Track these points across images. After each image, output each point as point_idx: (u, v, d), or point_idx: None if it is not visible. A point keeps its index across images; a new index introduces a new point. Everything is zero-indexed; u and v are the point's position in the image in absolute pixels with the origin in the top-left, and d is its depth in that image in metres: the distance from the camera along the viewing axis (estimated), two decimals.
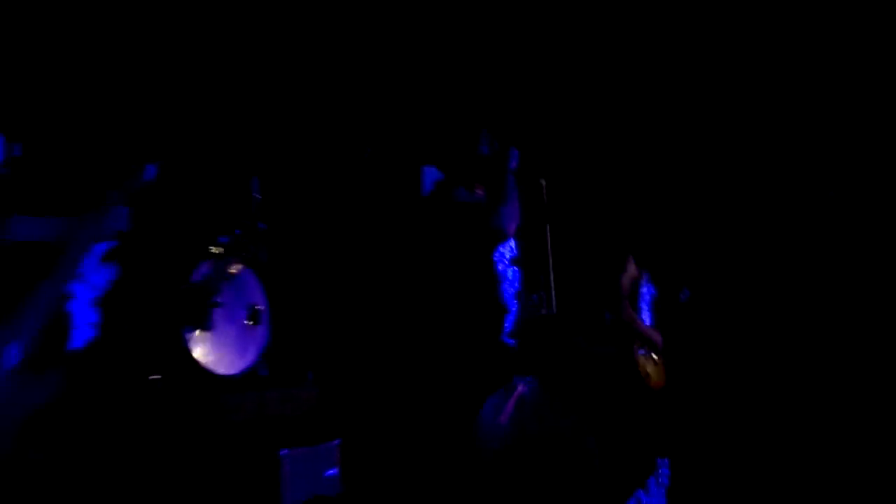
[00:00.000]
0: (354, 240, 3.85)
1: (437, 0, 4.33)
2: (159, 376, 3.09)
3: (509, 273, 3.46)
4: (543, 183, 3.77)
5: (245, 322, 3.40)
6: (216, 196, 3.57)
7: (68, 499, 2.58)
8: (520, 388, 2.88)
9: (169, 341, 3.13)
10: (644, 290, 4.18)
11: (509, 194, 3.43)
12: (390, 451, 3.20)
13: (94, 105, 3.36)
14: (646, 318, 4.09)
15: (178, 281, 3.23)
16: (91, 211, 2.54)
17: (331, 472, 3.12)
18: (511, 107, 4.37)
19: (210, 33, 3.76)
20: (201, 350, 3.20)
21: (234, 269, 3.42)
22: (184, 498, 2.85)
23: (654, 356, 3.94)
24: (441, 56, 4.45)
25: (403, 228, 3.64)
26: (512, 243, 3.55)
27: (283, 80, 4.13)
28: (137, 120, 3.43)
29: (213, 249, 3.38)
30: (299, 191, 4.06)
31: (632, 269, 4.11)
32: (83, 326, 2.96)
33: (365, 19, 4.24)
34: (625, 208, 4.50)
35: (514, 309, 3.32)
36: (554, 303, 3.63)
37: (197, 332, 3.21)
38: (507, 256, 3.51)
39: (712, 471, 3.12)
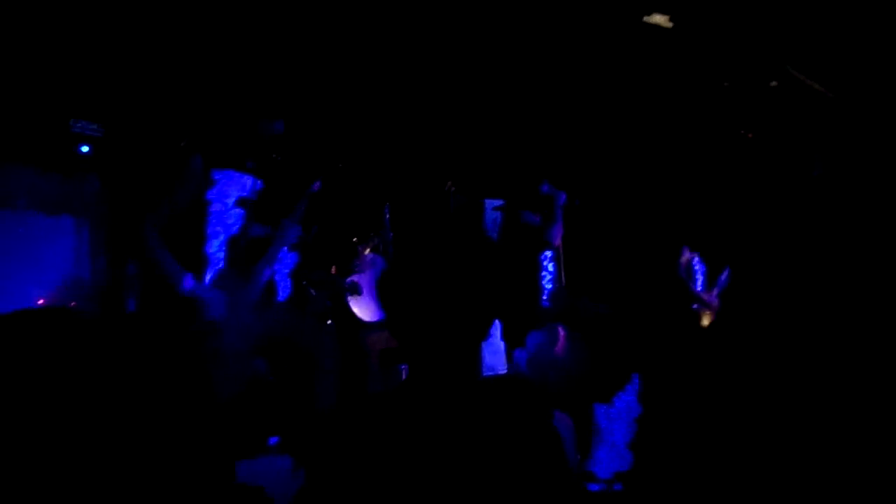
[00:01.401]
0: (445, 244, 5.70)
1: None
2: (331, 321, 5.04)
3: (549, 267, 5.33)
4: (577, 202, 5.49)
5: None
6: (365, 212, 5.52)
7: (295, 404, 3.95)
8: (560, 329, 3.47)
9: (337, 300, 5.10)
10: (697, 269, 4.95)
11: (557, 220, 5.27)
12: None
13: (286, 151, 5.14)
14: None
15: (341, 263, 5.19)
16: (287, 218, 3.86)
17: None
18: (561, 159, 5.94)
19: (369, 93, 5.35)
20: (356, 306, 5.19)
21: (372, 259, 5.39)
22: (349, 395, 4.74)
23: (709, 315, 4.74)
24: (521, 118, 5.89)
25: (481, 237, 5.52)
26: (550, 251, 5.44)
27: (400, 143, 5.99)
28: (309, 156, 5.25)
29: (361, 245, 5.36)
30: (410, 212, 5.98)
31: (686, 255, 4.88)
32: (283, 289, 4.84)
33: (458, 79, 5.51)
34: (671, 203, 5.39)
35: (550, 288, 5.21)
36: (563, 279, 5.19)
37: (353, 297, 5.21)
38: (548, 257, 5.40)
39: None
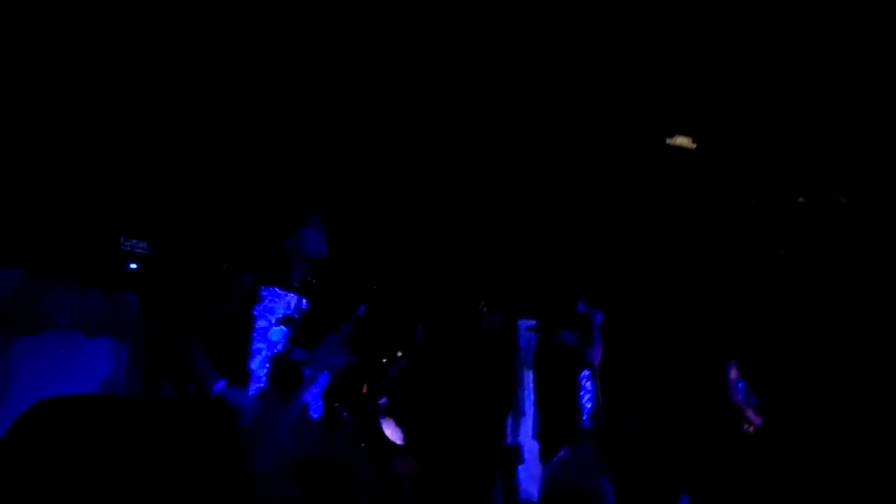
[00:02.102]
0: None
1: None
2: (363, 444, 4.96)
3: (588, 386, 5.26)
4: (615, 322, 5.51)
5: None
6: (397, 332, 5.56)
7: None
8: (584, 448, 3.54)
9: (369, 422, 5.03)
10: (740, 386, 5.18)
11: (595, 339, 5.25)
12: None
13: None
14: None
15: (372, 384, 5.17)
16: (331, 341, 3.95)
17: None
18: (597, 279, 6.09)
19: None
20: (387, 429, 5.10)
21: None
22: None
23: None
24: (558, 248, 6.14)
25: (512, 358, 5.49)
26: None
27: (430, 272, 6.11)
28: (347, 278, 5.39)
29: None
30: (443, 332, 6.01)
31: (733, 374, 5.16)
32: (315, 409, 4.81)
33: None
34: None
35: (589, 407, 5.12)
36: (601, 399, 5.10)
37: (385, 419, 5.14)
38: (586, 376, 5.35)
39: None
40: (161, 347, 3.82)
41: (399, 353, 5.44)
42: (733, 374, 5.20)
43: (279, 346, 3.54)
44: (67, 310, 3.84)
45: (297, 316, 3.54)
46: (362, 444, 4.99)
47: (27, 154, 2.94)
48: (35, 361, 3.86)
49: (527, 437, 5.86)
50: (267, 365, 3.49)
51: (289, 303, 3.60)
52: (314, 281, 3.62)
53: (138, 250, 2.97)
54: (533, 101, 4.03)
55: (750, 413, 5.15)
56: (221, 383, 3.26)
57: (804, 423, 4.33)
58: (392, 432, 5.14)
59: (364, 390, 5.12)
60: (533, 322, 6.03)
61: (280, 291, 3.55)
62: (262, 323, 3.47)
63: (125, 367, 4.05)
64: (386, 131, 4.34)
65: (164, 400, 0.86)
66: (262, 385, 3.46)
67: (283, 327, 3.55)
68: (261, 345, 3.49)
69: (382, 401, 5.23)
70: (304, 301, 3.67)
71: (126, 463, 0.72)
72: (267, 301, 3.51)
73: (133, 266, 3.03)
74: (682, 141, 4.78)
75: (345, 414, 4.93)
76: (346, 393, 5.15)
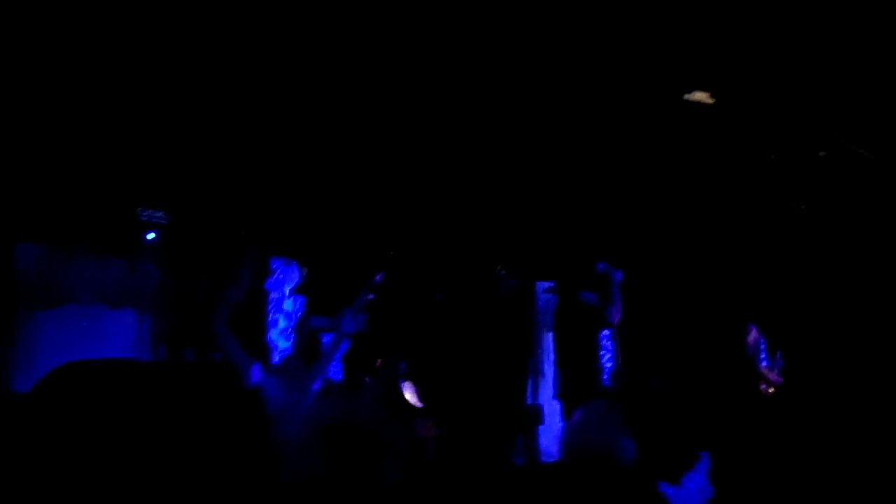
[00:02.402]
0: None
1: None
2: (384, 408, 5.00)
3: (607, 344, 5.27)
4: (635, 280, 5.49)
5: None
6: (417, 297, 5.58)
7: None
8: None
9: (390, 386, 5.08)
10: (761, 346, 5.18)
11: (614, 299, 5.24)
12: None
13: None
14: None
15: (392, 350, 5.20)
16: (348, 308, 3.87)
17: None
18: (617, 238, 6.03)
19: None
20: (408, 393, 5.15)
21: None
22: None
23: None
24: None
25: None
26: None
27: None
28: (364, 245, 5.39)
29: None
30: (461, 296, 6.02)
31: (753, 334, 5.10)
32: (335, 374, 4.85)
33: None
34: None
35: (609, 367, 5.13)
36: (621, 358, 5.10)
37: (405, 383, 5.18)
38: (606, 336, 5.36)
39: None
40: (180, 320, 3.85)
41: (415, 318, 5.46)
42: (753, 334, 5.19)
43: (295, 317, 3.55)
44: (89, 283, 3.88)
45: (308, 287, 3.56)
46: (384, 409, 5.03)
47: (43, 128, 2.94)
48: (59, 334, 3.90)
49: (547, 398, 5.90)
50: (286, 335, 3.51)
51: (300, 273, 3.60)
52: (325, 249, 3.62)
53: (155, 220, 2.97)
54: (547, 57, 3.95)
55: (770, 374, 5.15)
56: (257, 372, 3.23)
57: (824, 384, 4.33)
58: (412, 396, 5.18)
59: (379, 360, 5.14)
60: (550, 284, 6.02)
61: (289, 262, 3.56)
62: (275, 295, 3.48)
63: (147, 338, 4.09)
64: (400, 95, 4.28)
65: (187, 364, 0.85)
66: (284, 355, 3.49)
67: (295, 297, 3.56)
68: (277, 315, 3.50)
69: (402, 365, 5.26)
70: (313, 272, 3.69)
71: (147, 422, 0.72)
72: (278, 273, 3.51)
73: (151, 236, 3.03)
74: (699, 96, 4.70)
75: (367, 379, 4.96)
76: (366, 358, 5.19)
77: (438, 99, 4.45)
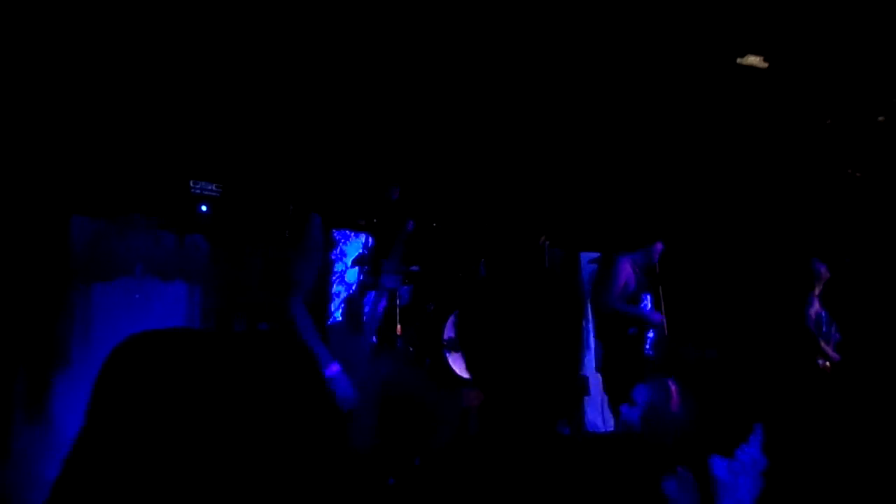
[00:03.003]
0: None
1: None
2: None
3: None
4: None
5: None
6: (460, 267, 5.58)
7: None
8: (671, 384, 3.36)
9: (436, 356, 5.10)
10: (823, 318, 5.09)
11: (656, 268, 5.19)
12: None
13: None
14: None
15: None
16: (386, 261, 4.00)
17: None
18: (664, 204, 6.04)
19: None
20: (454, 363, 5.16)
21: None
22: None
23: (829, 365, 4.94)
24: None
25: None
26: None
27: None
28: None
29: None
30: (505, 266, 6.00)
31: (816, 306, 5.02)
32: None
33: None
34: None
35: (652, 336, 5.07)
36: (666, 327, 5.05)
37: (451, 353, 5.19)
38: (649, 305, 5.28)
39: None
40: (231, 292, 3.89)
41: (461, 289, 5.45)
42: (816, 306, 5.08)
43: (354, 287, 3.57)
44: (142, 256, 3.94)
45: (367, 253, 3.58)
46: (432, 378, 5.07)
47: (94, 100, 2.96)
48: (113, 306, 3.97)
49: (590, 370, 5.87)
50: (343, 305, 3.53)
51: (361, 243, 3.62)
52: (379, 220, 3.62)
53: (208, 192, 2.99)
54: (596, 19, 3.87)
55: (828, 348, 5.04)
56: (335, 368, 3.25)
57: (884, 360, 4.19)
58: (458, 366, 5.19)
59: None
60: (595, 255, 5.95)
61: (350, 233, 3.57)
62: (339, 266, 3.50)
63: (199, 310, 4.15)
64: (444, 63, 4.24)
65: (249, 333, 0.84)
66: (335, 321, 3.51)
67: (357, 268, 3.58)
68: (339, 287, 3.53)
69: (449, 335, 5.27)
70: (373, 239, 3.70)
71: (218, 393, 0.71)
72: (341, 244, 3.53)
73: (203, 208, 3.06)
74: (752, 60, 4.58)
75: (411, 349, 4.99)
76: (412, 328, 5.22)
77: (483, 65, 4.41)
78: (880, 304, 4.76)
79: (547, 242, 6.02)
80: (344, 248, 3.54)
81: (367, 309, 3.68)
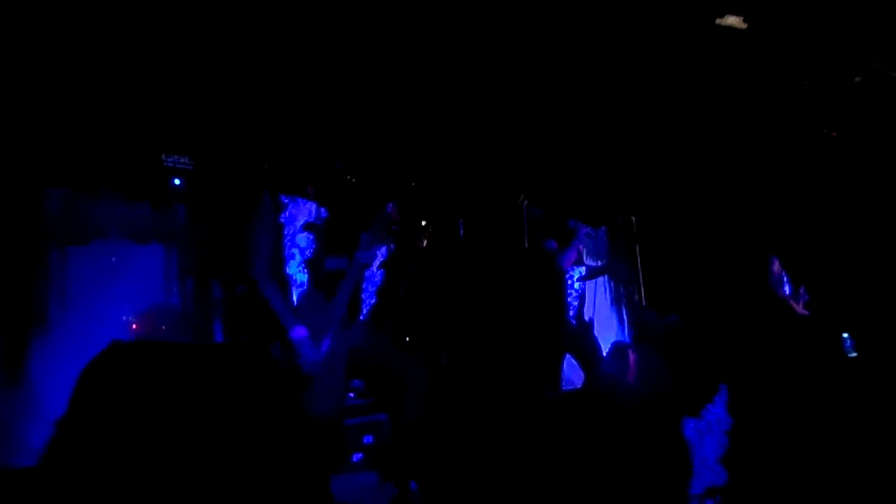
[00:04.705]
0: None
1: None
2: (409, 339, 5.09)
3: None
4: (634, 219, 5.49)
5: None
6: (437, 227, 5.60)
7: None
8: (630, 354, 3.60)
9: (416, 319, 5.15)
10: (784, 279, 5.01)
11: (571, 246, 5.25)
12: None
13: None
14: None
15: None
16: (365, 237, 4.00)
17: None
18: (638, 166, 5.99)
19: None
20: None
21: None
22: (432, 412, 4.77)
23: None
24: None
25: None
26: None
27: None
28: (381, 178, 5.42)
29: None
30: (483, 226, 6.03)
31: (776, 265, 4.92)
32: (367, 303, 4.93)
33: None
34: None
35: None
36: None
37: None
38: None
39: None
40: (208, 255, 3.89)
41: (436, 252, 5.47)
42: (776, 267, 5.14)
43: (309, 251, 3.58)
44: (116, 220, 3.92)
45: (318, 223, 3.57)
46: (406, 340, 5.12)
47: (67, 76, 2.91)
48: (89, 269, 3.96)
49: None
50: (302, 269, 3.54)
51: (310, 210, 3.61)
52: (338, 186, 3.60)
53: (180, 166, 2.98)
54: None
55: (796, 306, 5.11)
56: (301, 332, 3.27)
57: (852, 316, 4.29)
58: (434, 328, 5.25)
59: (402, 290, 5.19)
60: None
61: (301, 199, 3.56)
62: (289, 230, 3.51)
63: (175, 272, 4.14)
64: (419, 27, 4.18)
65: (223, 346, 0.87)
66: (302, 289, 3.53)
67: (307, 233, 3.59)
68: (293, 250, 3.54)
69: (424, 297, 5.31)
70: (324, 210, 3.69)
71: (186, 405, 0.74)
72: (290, 208, 3.52)
73: (177, 182, 3.05)
74: (732, 20, 4.54)
75: (389, 313, 5.03)
76: (388, 291, 5.25)
77: (460, 27, 4.35)
78: (847, 262, 4.83)
79: (526, 202, 6.02)
80: (293, 212, 3.54)
81: (345, 282, 3.70)
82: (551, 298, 5.00)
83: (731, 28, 4.55)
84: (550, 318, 5.04)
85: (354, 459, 4.96)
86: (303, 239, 3.62)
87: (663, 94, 5.38)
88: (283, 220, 3.50)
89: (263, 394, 0.79)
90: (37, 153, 2.93)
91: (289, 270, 3.54)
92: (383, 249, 4.95)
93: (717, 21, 4.50)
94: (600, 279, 5.77)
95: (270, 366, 0.84)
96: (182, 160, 2.95)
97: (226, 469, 0.73)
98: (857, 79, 4.80)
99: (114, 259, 4.00)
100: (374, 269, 5.10)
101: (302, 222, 3.62)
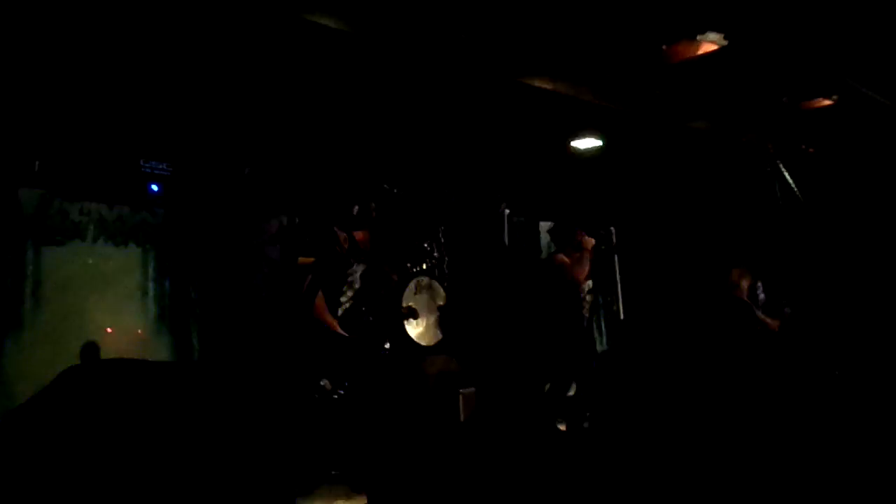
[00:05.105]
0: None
1: None
2: (389, 346, 5.09)
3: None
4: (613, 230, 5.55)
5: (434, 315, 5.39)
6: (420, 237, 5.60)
7: None
8: None
9: (394, 326, 5.14)
10: (760, 294, 5.25)
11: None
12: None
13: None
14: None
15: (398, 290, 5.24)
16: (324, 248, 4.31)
17: None
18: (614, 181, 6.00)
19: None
20: (412, 331, 5.21)
21: (427, 283, 5.42)
22: (402, 418, 4.78)
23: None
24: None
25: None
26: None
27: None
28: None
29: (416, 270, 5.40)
30: (464, 234, 6.05)
31: (749, 277, 5.24)
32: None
33: None
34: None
35: None
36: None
37: (411, 321, 5.24)
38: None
39: None
40: (185, 258, 3.87)
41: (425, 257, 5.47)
42: (751, 279, 5.21)
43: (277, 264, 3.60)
44: (94, 221, 3.90)
45: (285, 233, 3.58)
46: (386, 347, 5.12)
47: (45, 77, 2.90)
48: (66, 270, 3.94)
49: None
50: (268, 280, 3.56)
51: (276, 223, 3.62)
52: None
53: (158, 171, 2.97)
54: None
55: (768, 319, 5.18)
56: None
57: (823, 330, 4.35)
58: (417, 335, 5.24)
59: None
60: (553, 223, 6.01)
61: (266, 214, 3.58)
62: (257, 241, 3.52)
63: (153, 275, 4.12)
64: (399, 32, 4.19)
65: (191, 366, 0.87)
66: (270, 296, 3.54)
67: (273, 246, 3.61)
68: (260, 262, 3.55)
69: (408, 304, 5.30)
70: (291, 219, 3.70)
71: (149, 427, 0.74)
72: (259, 223, 3.54)
73: (154, 188, 3.04)
74: (713, 38, 4.61)
75: (370, 318, 5.01)
76: (370, 297, 5.23)
77: (441, 31, 4.37)
78: (824, 275, 4.89)
79: (507, 211, 6.05)
80: (263, 226, 3.55)
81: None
82: (567, 310, 5.04)
83: (712, 44, 4.61)
84: (568, 328, 5.07)
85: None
86: (273, 251, 3.61)
87: (641, 106, 5.44)
88: (252, 234, 3.50)
89: (225, 417, 0.79)
90: (13, 152, 2.91)
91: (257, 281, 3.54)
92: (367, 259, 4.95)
93: (699, 38, 4.56)
94: None
95: (235, 387, 0.84)
96: (160, 166, 2.94)
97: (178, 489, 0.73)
98: (835, 97, 4.88)
99: (90, 260, 3.97)
100: (357, 276, 5.09)
101: (269, 235, 3.62)
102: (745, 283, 5.21)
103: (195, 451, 0.66)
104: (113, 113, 2.82)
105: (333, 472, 4.64)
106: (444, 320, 5.40)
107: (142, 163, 2.88)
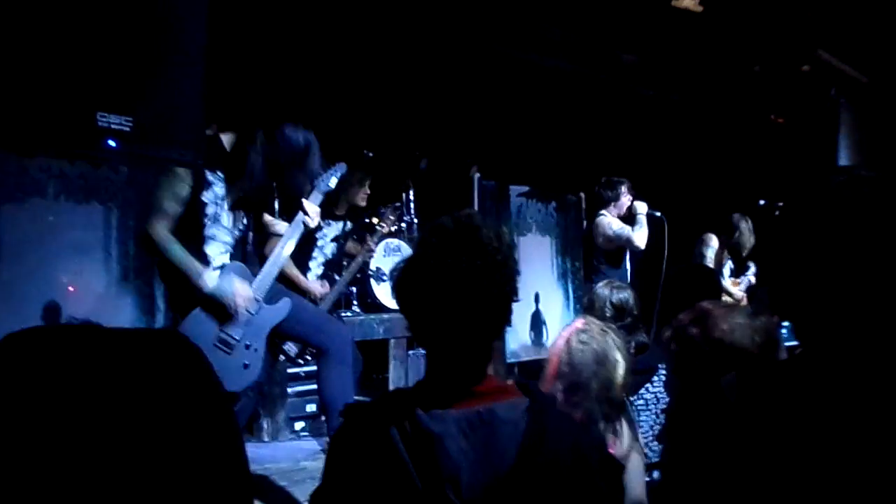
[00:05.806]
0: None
1: None
2: (356, 305, 5.08)
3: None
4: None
5: None
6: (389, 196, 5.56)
7: None
8: None
9: (362, 286, 5.13)
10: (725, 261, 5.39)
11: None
12: None
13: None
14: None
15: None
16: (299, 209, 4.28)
17: None
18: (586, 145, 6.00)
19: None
20: (379, 292, 5.22)
21: (396, 246, 5.42)
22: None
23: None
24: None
25: None
26: None
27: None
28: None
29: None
30: (433, 196, 6.03)
31: (715, 245, 5.30)
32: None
33: None
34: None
35: None
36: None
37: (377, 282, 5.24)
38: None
39: None
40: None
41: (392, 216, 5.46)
42: (717, 246, 5.24)
43: (235, 231, 3.54)
44: (54, 176, 3.79)
45: (249, 196, 3.50)
46: (355, 305, 5.13)
47: None
48: (26, 228, 3.84)
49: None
50: (226, 249, 3.50)
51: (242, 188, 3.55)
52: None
53: (116, 126, 2.87)
54: None
55: (733, 289, 5.26)
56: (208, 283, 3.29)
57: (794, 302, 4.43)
58: (383, 295, 5.26)
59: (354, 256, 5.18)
60: (525, 188, 6.00)
61: (223, 176, 3.49)
62: (212, 209, 3.44)
63: (116, 234, 4.05)
64: None
65: (146, 332, 0.85)
66: (228, 267, 3.49)
67: (236, 213, 3.54)
68: (214, 230, 3.48)
69: (377, 265, 5.31)
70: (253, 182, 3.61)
71: (102, 400, 0.72)
72: (214, 186, 3.45)
73: (112, 143, 2.93)
74: (688, 3, 4.58)
75: (337, 277, 5.01)
76: (339, 261, 5.24)
77: None
78: (791, 247, 4.97)
79: (478, 174, 6.03)
80: (215, 189, 3.46)
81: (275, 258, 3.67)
82: None
83: (687, 10, 4.59)
84: None
85: (297, 427, 4.97)
86: (227, 218, 3.54)
87: (622, 73, 5.42)
88: (204, 199, 3.40)
89: (177, 387, 0.76)
90: None
91: (207, 249, 3.47)
92: (339, 224, 4.91)
93: (674, 3, 4.54)
94: (546, 253, 5.83)
95: (187, 356, 0.81)
96: (118, 120, 2.84)
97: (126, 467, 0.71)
98: (806, 67, 4.91)
99: (51, 218, 3.88)
100: (328, 241, 5.05)
101: (230, 201, 3.53)
102: (711, 251, 5.28)
103: (154, 430, 0.63)
104: (68, 61, 2.70)
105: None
106: None
107: (98, 116, 2.76)
